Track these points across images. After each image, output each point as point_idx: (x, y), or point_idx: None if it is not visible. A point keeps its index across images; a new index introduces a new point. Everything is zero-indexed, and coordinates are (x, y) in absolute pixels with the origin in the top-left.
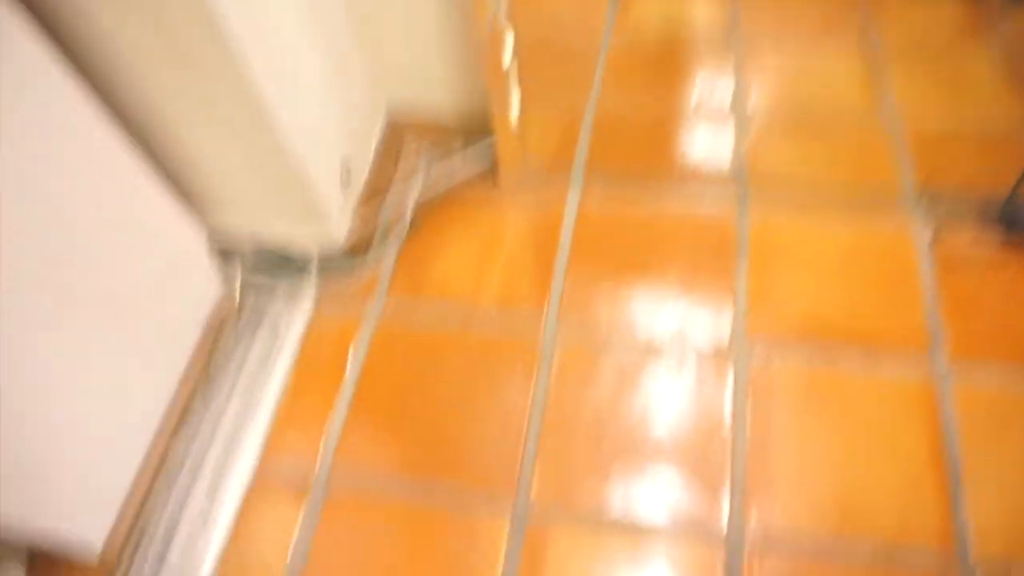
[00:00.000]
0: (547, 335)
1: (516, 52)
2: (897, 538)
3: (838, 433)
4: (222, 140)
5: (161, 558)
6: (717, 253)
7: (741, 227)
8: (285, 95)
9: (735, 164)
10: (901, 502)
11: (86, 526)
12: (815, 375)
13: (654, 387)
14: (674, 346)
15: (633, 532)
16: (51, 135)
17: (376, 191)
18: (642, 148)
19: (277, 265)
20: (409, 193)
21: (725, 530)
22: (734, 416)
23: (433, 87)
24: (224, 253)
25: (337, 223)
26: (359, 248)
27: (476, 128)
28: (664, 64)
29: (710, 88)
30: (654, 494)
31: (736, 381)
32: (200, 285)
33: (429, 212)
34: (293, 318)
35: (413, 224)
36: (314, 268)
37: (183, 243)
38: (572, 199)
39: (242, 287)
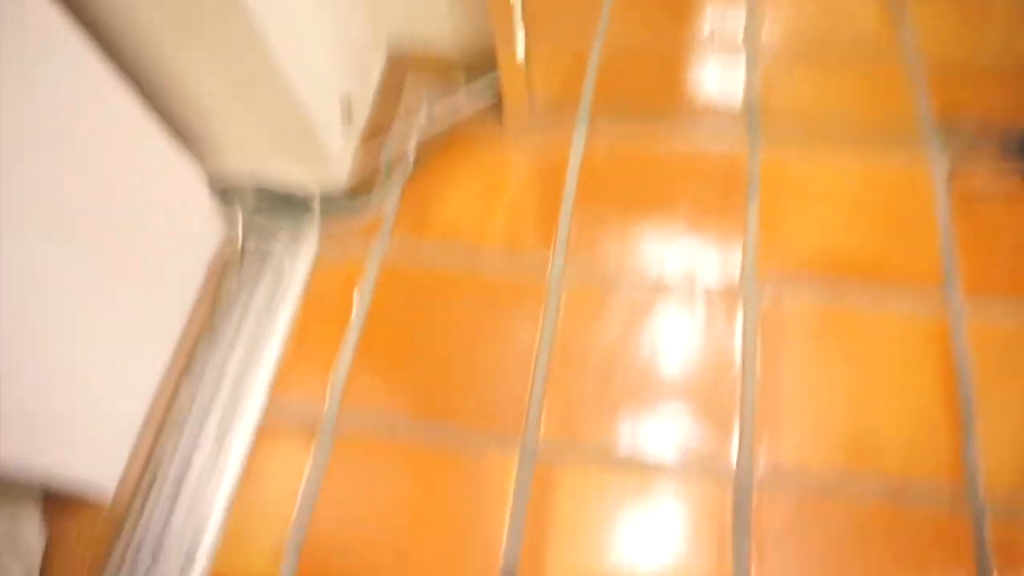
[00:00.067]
0: (554, 274)
1: None
2: (906, 474)
3: (849, 370)
4: (220, 77)
5: (173, 500)
6: (727, 190)
7: (752, 163)
8: (282, 29)
9: (747, 99)
10: (911, 439)
11: (97, 469)
12: (826, 312)
13: (663, 325)
14: (683, 284)
15: (642, 469)
16: (49, 76)
17: (378, 129)
18: (651, 84)
19: (280, 207)
20: (412, 131)
21: (734, 467)
22: (744, 354)
23: (435, 20)
24: (226, 196)
25: (339, 162)
26: (362, 188)
27: (480, 64)
28: None
29: (721, 20)
30: (663, 432)
31: (746, 319)
32: (202, 228)
33: (433, 150)
34: (297, 260)
35: (416, 163)
36: (317, 209)
37: (184, 185)
38: (579, 136)
39: (245, 229)
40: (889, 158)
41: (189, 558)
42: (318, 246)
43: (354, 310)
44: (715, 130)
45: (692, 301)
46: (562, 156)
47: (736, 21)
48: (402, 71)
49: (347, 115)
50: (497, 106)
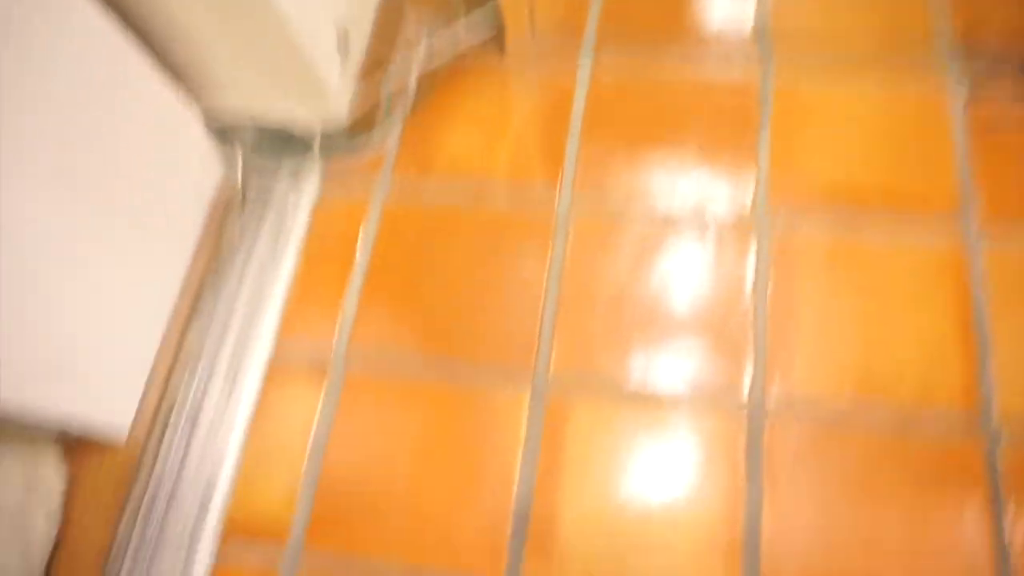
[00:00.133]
0: (561, 208)
1: None
2: (920, 402)
3: (862, 300)
4: (208, 5)
5: (187, 442)
6: (738, 119)
7: (764, 90)
8: None
9: (758, 23)
10: (925, 367)
11: (111, 412)
12: (840, 243)
13: (673, 258)
14: (694, 216)
15: (654, 402)
16: (32, 15)
17: (376, 63)
18: (658, 9)
19: (279, 146)
20: (411, 65)
21: (746, 399)
22: (756, 285)
23: None
24: (224, 136)
25: (337, 98)
26: (362, 125)
27: None
28: None
29: None
30: (674, 364)
31: (758, 250)
32: (200, 168)
33: (434, 84)
34: (299, 200)
35: (417, 97)
36: (317, 147)
37: (178, 124)
38: (584, 65)
39: (244, 170)
40: (906, 83)
41: (206, 496)
42: (320, 185)
43: (359, 248)
44: (725, 57)
45: (703, 233)
46: (567, 86)
47: None
48: (399, 2)
49: (344, 48)
50: (499, 37)
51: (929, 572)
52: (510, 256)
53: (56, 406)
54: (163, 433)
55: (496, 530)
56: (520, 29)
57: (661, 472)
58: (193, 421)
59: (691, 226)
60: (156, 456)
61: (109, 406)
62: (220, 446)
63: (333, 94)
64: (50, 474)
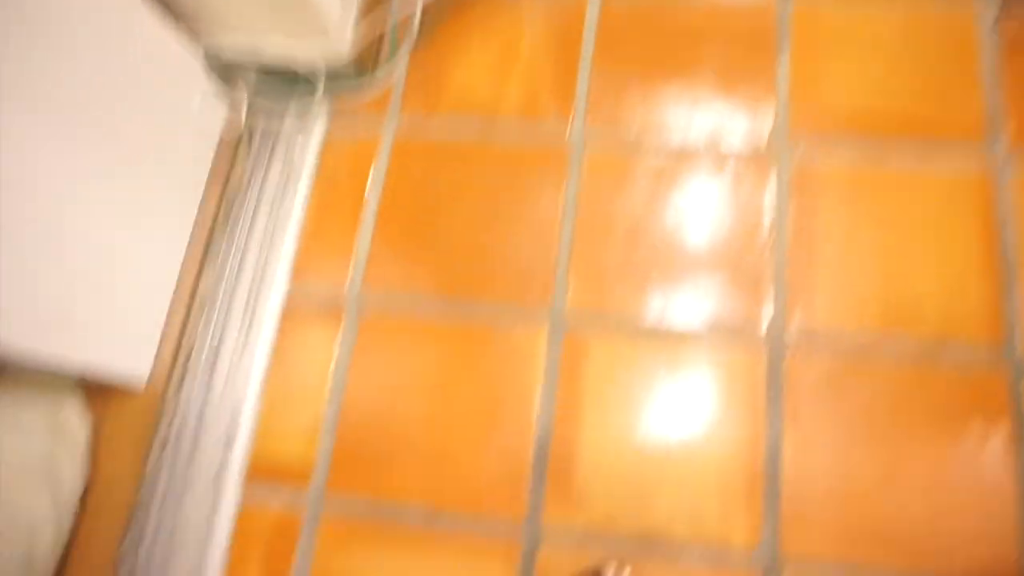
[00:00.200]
0: (574, 141)
1: None
2: (943, 334)
3: (884, 231)
4: None
5: (207, 386)
6: (756, 45)
7: (782, 13)
8: None
9: None
10: (948, 298)
11: (130, 357)
12: (861, 172)
13: (690, 190)
14: (710, 147)
15: (673, 337)
16: None
17: None
18: None
19: (284, 85)
20: None
21: (765, 332)
22: (775, 217)
23: None
24: (228, 79)
25: (339, 32)
26: (367, 61)
27: None
28: None
29: None
30: (693, 299)
31: (778, 181)
32: (204, 109)
33: (438, 16)
34: (307, 140)
35: (422, 30)
36: (322, 86)
37: (181, 65)
38: None
39: (249, 111)
40: (931, 3)
41: (230, 437)
42: (327, 125)
43: (369, 187)
44: None
45: (720, 165)
46: (578, 14)
47: None
48: None
49: None
50: None
51: (951, 504)
52: (523, 191)
53: (74, 353)
54: (183, 378)
55: (516, 470)
56: None
57: (680, 408)
58: (211, 366)
59: (708, 157)
60: (177, 402)
61: (127, 352)
62: (239, 390)
63: (335, 29)
64: (74, 421)
